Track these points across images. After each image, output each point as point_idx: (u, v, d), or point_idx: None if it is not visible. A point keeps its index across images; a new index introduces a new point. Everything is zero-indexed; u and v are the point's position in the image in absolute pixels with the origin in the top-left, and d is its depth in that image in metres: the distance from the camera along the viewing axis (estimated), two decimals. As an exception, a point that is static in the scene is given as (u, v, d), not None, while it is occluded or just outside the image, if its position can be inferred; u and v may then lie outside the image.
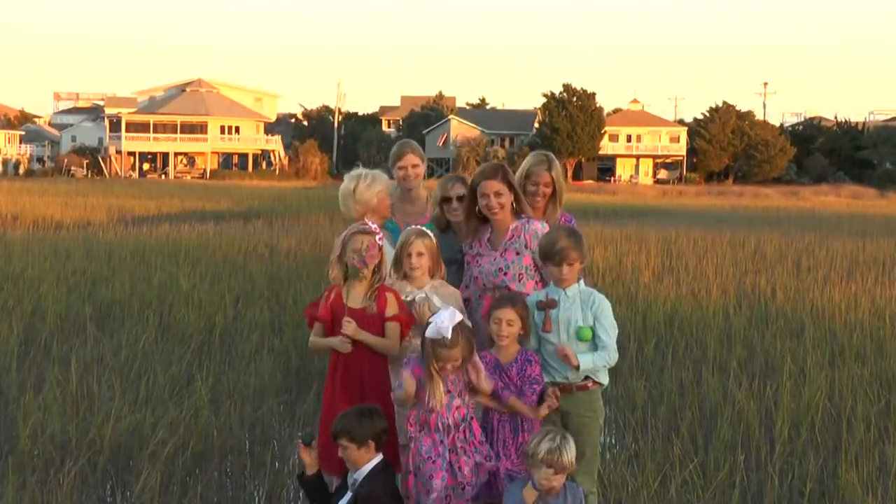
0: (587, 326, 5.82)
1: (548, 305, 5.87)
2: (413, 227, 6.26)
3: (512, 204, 6.36)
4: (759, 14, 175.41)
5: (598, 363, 5.84)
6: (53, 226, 28.69)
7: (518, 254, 6.29)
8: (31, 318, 12.00)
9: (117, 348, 10.46)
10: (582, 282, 6.00)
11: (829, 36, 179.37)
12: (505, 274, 6.27)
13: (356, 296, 5.95)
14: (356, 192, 6.63)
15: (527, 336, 5.88)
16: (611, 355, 5.87)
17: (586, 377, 5.89)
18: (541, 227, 6.32)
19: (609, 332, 5.87)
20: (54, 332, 11.35)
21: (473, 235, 6.46)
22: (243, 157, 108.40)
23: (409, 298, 6.08)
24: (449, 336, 5.49)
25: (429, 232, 6.21)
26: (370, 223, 6.05)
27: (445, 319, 5.53)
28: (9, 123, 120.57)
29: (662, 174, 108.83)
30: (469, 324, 5.83)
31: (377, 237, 5.96)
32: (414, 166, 7.19)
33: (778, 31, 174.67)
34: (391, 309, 5.92)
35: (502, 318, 5.77)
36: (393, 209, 6.96)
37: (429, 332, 5.56)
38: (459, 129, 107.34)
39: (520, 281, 6.26)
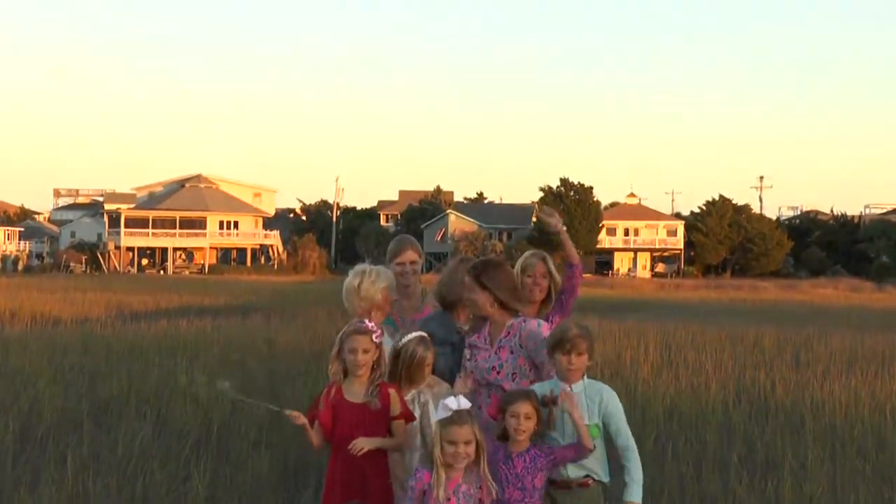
0: (593, 424, 5.76)
1: (552, 402, 5.80)
2: (415, 335, 6.21)
3: (501, 301, 6.33)
4: (755, 109, 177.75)
5: (637, 472, 5.79)
6: (51, 321, 28.63)
7: (512, 353, 6.25)
8: (28, 415, 11.93)
9: (114, 445, 10.39)
10: (585, 377, 5.96)
11: (824, 130, 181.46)
12: (498, 373, 6.23)
13: (356, 391, 5.96)
14: (360, 288, 6.63)
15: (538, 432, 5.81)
16: (634, 448, 5.83)
17: (587, 475, 5.82)
18: (536, 327, 6.30)
19: (625, 424, 5.84)
20: (51, 428, 11.27)
21: (477, 330, 6.44)
22: (242, 251, 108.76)
23: (406, 398, 6.08)
24: (455, 408, 5.47)
25: (426, 337, 6.22)
26: (367, 321, 6.06)
27: (452, 401, 5.52)
28: (8, 220, 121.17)
29: (660, 268, 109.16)
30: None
31: (374, 335, 5.97)
32: (412, 262, 7.22)
33: (773, 125, 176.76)
34: (395, 407, 5.91)
35: (520, 412, 5.67)
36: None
37: (437, 415, 5.55)
38: (457, 223, 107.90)
39: (513, 380, 6.21)
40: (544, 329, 6.25)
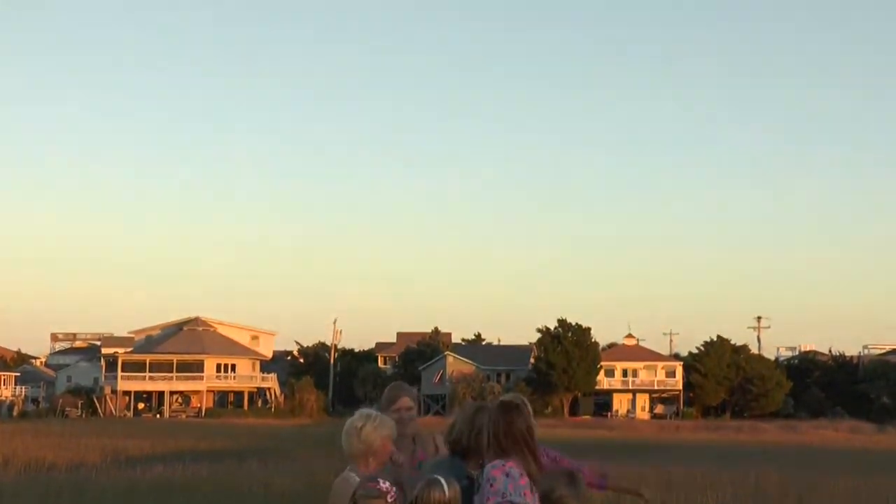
0: None
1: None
2: (453, 484, 6.16)
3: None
4: (752, 249, 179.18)
5: None
6: (46, 467, 28.36)
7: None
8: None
9: None
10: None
11: (820, 271, 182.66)
12: None
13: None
14: (363, 430, 6.60)
15: None
16: None
17: None
18: (489, 468, 6.28)
19: None
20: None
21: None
22: (239, 394, 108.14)
23: None
24: (445, 485, 5.46)
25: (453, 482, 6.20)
26: (381, 482, 5.99)
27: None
28: (5, 365, 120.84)
29: (659, 409, 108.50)
30: None
31: (389, 496, 5.92)
32: (408, 409, 7.31)
33: (770, 266, 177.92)
34: None
35: None
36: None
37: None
38: (455, 365, 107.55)
39: None
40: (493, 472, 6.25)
